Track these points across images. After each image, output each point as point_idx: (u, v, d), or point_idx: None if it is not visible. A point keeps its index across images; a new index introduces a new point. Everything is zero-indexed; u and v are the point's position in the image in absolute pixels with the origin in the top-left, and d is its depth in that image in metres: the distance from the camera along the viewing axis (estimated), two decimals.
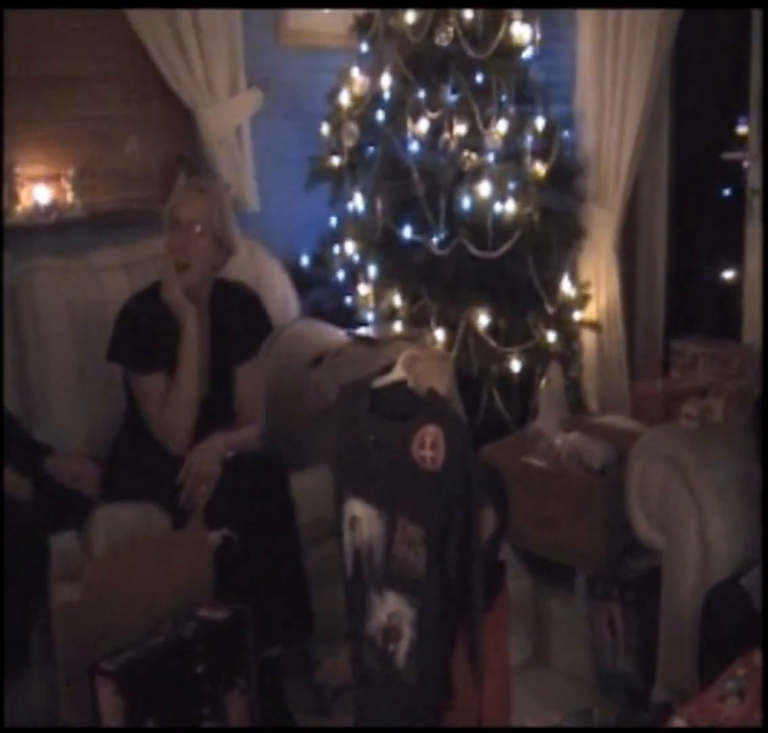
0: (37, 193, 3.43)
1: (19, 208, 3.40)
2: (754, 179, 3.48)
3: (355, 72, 3.72)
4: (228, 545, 2.56)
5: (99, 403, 3.08)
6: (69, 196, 3.48)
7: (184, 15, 3.55)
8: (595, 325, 3.65)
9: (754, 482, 2.45)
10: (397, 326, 3.38)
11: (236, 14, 3.69)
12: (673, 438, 2.65)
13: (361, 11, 3.75)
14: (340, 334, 3.24)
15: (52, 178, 3.49)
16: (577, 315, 3.63)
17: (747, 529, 2.51)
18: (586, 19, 3.66)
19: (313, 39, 3.98)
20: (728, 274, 3.68)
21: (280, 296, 3.43)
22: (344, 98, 3.70)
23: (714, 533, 2.50)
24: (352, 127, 3.65)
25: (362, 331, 3.25)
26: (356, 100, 3.70)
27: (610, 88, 3.64)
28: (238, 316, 2.99)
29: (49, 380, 3.07)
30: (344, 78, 3.73)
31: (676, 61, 3.75)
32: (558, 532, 2.87)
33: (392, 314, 3.45)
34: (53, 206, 3.43)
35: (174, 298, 2.87)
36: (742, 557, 2.48)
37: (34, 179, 3.46)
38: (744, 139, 3.55)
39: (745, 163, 3.52)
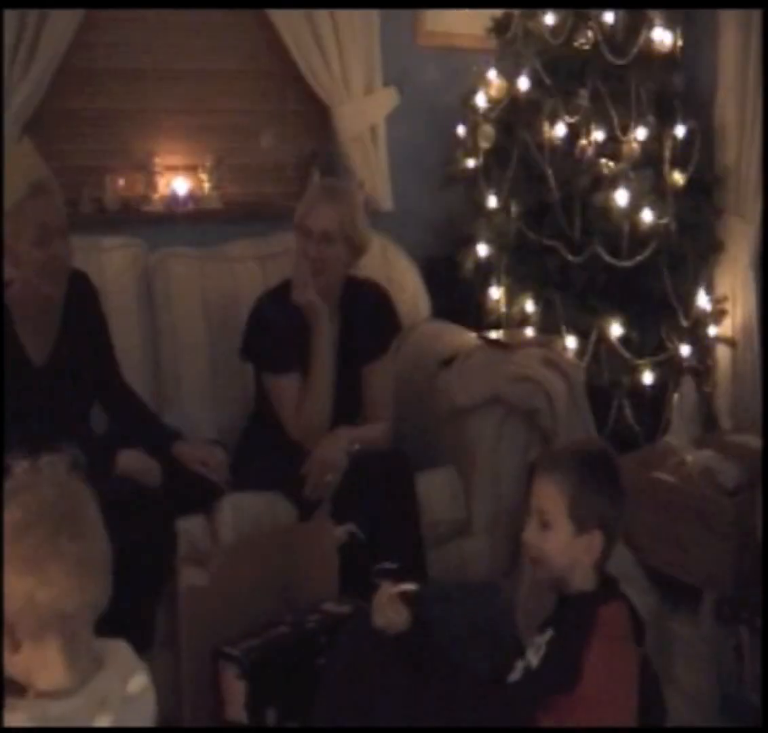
0: (175, 183, 3.47)
1: (157, 196, 3.45)
2: None
3: (492, 74, 3.68)
4: (354, 540, 2.55)
5: (229, 392, 3.10)
6: (206, 188, 3.51)
7: (323, 13, 3.56)
8: (730, 341, 3.54)
9: None
10: (529, 331, 3.33)
11: (373, 14, 3.69)
12: None
13: (499, 12, 3.71)
14: (471, 337, 3.21)
15: (190, 169, 3.54)
16: (712, 330, 3.53)
17: None
18: (730, 24, 3.57)
19: (451, 40, 3.96)
20: None
21: (411, 295, 3.41)
22: (480, 100, 3.66)
23: None
24: (488, 130, 3.61)
25: (493, 334, 3.21)
26: (493, 102, 3.66)
27: (752, 96, 3.53)
28: (368, 315, 2.98)
29: (181, 367, 3.10)
30: (481, 80, 3.70)
31: None
32: (686, 551, 2.80)
33: (523, 319, 3.40)
34: (190, 196, 3.47)
35: (308, 302, 2.87)
36: None
37: (173, 169, 3.51)
38: None
39: None
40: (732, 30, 3.57)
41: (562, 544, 2.04)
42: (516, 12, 3.64)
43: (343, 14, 3.60)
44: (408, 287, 3.40)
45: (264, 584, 2.42)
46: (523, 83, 3.57)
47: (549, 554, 2.06)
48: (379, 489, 2.66)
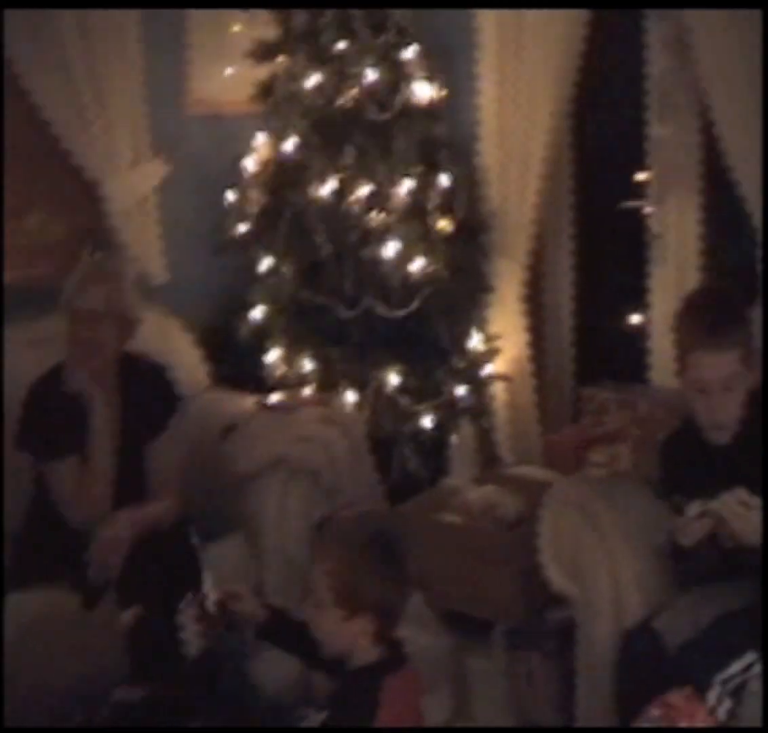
0: None
1: None
2: (654, 225, 3.58)
3: (260, 138, 3.75)
4: (141, 623, 2.54)
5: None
6: None
7: (86, 88, 3.55)
8: (505, 378, 3.68)
9: (661, 524, 2.50)
10: (308, 391, 3.39)
11: (139, 84, 3.71)
12: (582, 487, 2.70)
13: (262, 76, 3.79)
14: (251, 402, 3.25)
15: None
16: (487, 368, 3.66)
17: (658, 571, 2.55)
18: (487, 74, 3.73)
19: (219, 106, 4.01)
20: (634, 320, 3.74)
21: (189, 366, 3.41)
22: (249, 164, 3.73)
23: (626, 578, 2.54)
24: (257, 194, 3.69)
25: (273, 397, 3.26)
26: (261, 165, 3.73)
27: (512, 142, 3.70)
28: (145, 393, 2.98)
29: None
30: (249, 144, 3.77)
31: (576, 113, 3.82)
32: (475, 586, 2.89)
33: (303, 379, 3.46)
34: None
35: (80, 385, 2.85)
36: (655, 600, 2.52)
37: None
38: (643, 186, 3.65)
39: (646, 210, 3.62)
40: (490, 80, 3.74)
41: (332, 627, 2.03)
42: (278, 75, 3.73)
43: (108, 85, 3.58)
44: (185, 359, 3.42)
45: (52, 680, 2.39)
46: (290, 145, 3.65)
47: (320, 635, 2.07)
48: (162, 568, 2.66)
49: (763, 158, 2.52)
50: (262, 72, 3.78)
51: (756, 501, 2.33)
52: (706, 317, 2.54)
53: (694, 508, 2.38)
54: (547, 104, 3.59)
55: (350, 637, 2.02)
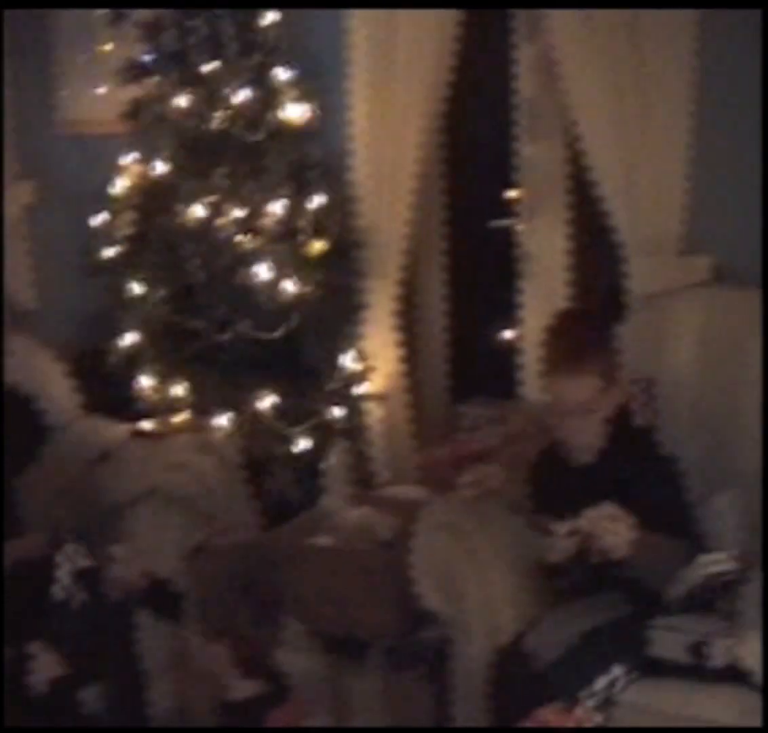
0: None
1: None
2: (524, 242, 3.63)
3: (129, 159, 3.72)
4: None
5: None
6: None
7: None
8: (379, 397, 3.70)
9: (532, 542, 2.54)
10: (181, 417, 3.37)
11: (7, 104, 3.65)
12: (453, 507, 2.73)
13: (132, 96, 3.75)
14: (123, 429, 3.22)
15: None
16: (361, 388, 3.67)
17: (529, 589, 2.60)
18: (359, 91, 3.74)
19: (89, 127, 3.97)
20: (507, 335, 3.79)
21: (59, 394, 3.38)
22: (119, 186, 3.69)
23: (498, 597, 2.58)
24: (127, 216, 3.65)
25: (145, 424, 3.23)
26: (131, 187, 3.69)
27: (383, 158, 3.70)
28: (12, 424, 2.93)
29: None
30: (119, 165, 3.73)
31: (447, 130, 3.84)
32: (351, 608, 2.90)
33: (176, 404, 3.44)
34: None
35: None
36: (527, 617, 2.55)
37: None
38: (513, 205, 3.71)
39: (517, 227, 3.67)
40: (361, 99, 3.75)
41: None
42: (148, 96, 3.70)
43: None
44: (56, 387, 3.37)
45: None
46: (160, 166, 3.62)
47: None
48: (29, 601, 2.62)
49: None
50: (132, 92, 3.75)
51: (623, 514, 2.39)
52: (567, 341, 2.61)
53: (562, 526, 2.43)
54: (419, 121, 3.61)
55: (220, 666, 2.03)
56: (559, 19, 3.22)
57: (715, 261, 3.09)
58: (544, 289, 3.58)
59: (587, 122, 3.23)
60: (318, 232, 3.62)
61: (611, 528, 2.37)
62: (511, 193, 3.73)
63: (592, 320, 2.80)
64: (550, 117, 3.52)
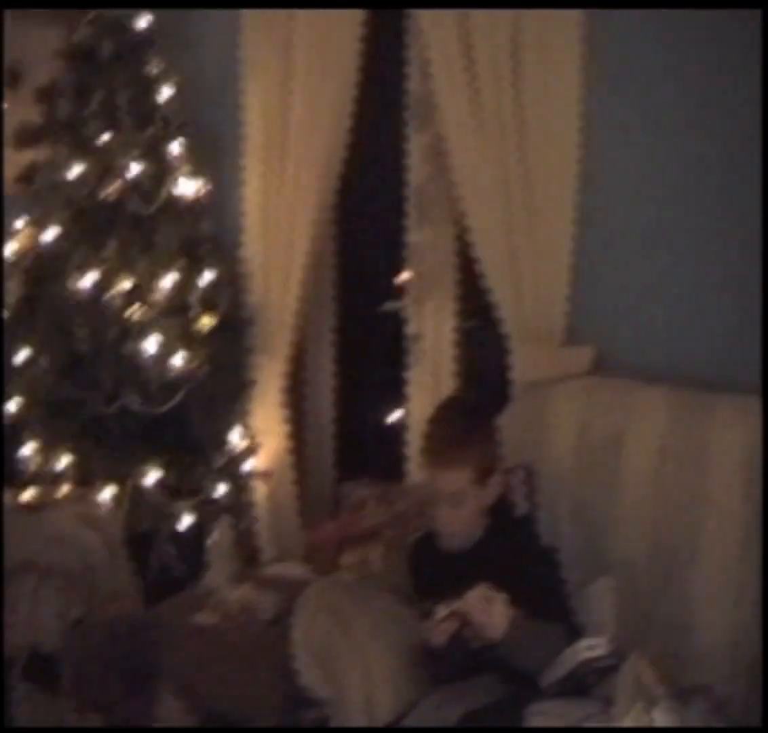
0: None
1: None
2: (412, 326, 3.71)
3: (20, 224, 3.68)
4: None
5: None
6: None
7: None
8: (265, 474, 3.70)
9: (412, 626, 2.56)
10: (63, 488, 3.32)
11: None
12: (334, 590, 2.75)
13: (26, 161, 3.73)
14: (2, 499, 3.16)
15: None
16: (248, 465, 3.68)
17: (409, 671, 2.61)
18: (253, 166, 3.80)
19: None
20: (394, 416, 3.84)
21: None
22: (9, 249, 3.66)
23: (378, 679, 2.59)
24: (16, 282, 3.61)
25: (25, 495, 3.18)
26: (21, 253, 3.66)
27: (276, 235, 3.77)
28: None
29: None
30: (9, 231, 3.69)
31: (340, 210, 3.92)
32: (231, 686, 2.87)
33: (59, 475, 3.38)
34: None
35: None
36: (406, 700, 2.56)
37: None
38: (403, 288, 3.78)
39: (405, 311, 3.74)
40: (255, 175, 3.80)
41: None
42: (41, 162, 3.68)
43: None
44: None
45: None
46: (50, 234, 3.60)
47: None
48: None
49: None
50: (26, 156, 3.73)
51: (498, 595, 2.43)
52: (443, 433, 2.64)
53: (440, 609, 2.46)
54: (312, 199, 3.68)
55: None
56: (449, 110, 3.33)
57: (595, 351, 3.18)
58: (431, 372, 3.66)
59: (475, 213, 3.33)
60: (208, 308, 3.65)
61: (487, 608, 2.41)
62: (402, 277, 3.82)
63: (472, 410, 2.81)
64: (440, 204, 3.61)
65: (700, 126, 3.04)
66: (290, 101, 3.67)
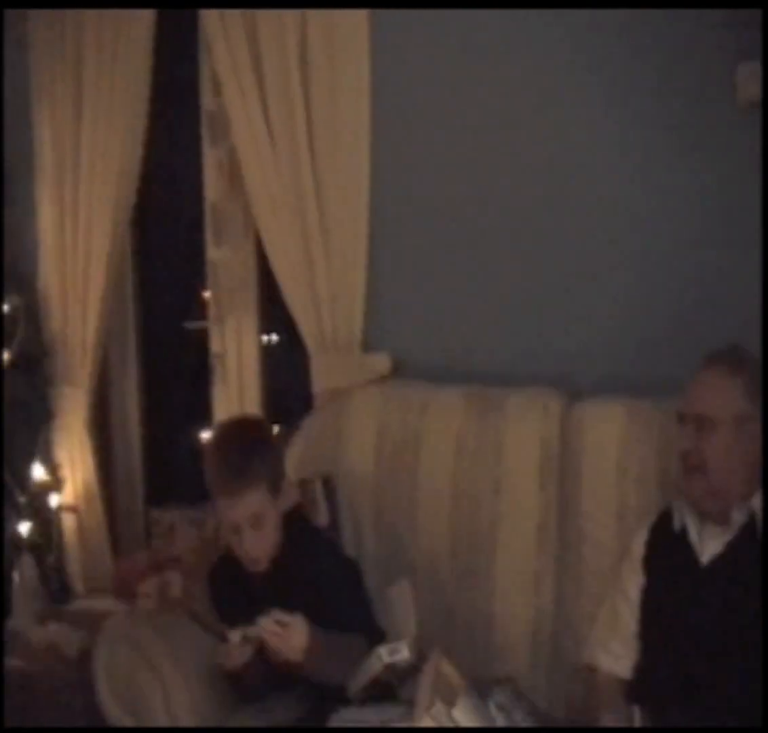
0: None
1: None
2: (215, 344, 3.68)
3: None
4: None
5: None
6: None
7: None
8: (72, 508, 3.61)
9: (211, 651, 2.52)
10: None
11: None
12: (134, 620, 2.70)
13: None
14: None
15: None
16: (53, 499, 3.58)
17: (212, 695, 2.59)
18: (46, 196, 3.73)
19: None
20: (203, 437, 3.79)
21: None
22: None
23: (180, 707, 2.56)
24: None
25: None
26: None
27: (71, 265, 3.70)
28: None
29: None
30: None
31: (138, 234, 3.89)
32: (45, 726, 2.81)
33: None
34: None
35: None
36: (209, 723, 2.54)
37: None
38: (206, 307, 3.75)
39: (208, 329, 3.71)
40: (48, 201, 3.73)
41: None
42: None
43: None
44: None
45: None
46: None
47: None
48: None
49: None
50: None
51: (294, 620, 2.41)
52: (223, 462, 2.55)
53: (236, 634, 2.44)
54: (107, 225, 3.63)
55: None
56: (241, 124, 3.33)
57: (392, 358, 3.21)
58: (235, 392, 3.63)
59: (270, 227, 3.33)
60: (4, 341, 3.55)
61: (283, 634, 2.39)
62: (203, 295, 3.79)
63: (253, 429, 2.72)
64: (237, 220, 3.60)
65: (493, 134, 3.12)
66: (81, 124, 3.62)
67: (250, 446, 2.58)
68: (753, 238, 2.80)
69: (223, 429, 2.76)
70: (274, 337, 3.78)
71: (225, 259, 3.66)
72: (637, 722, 2.16)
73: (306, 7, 3.18)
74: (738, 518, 2.33)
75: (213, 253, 3.67)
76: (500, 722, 2.40)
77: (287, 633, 2.39)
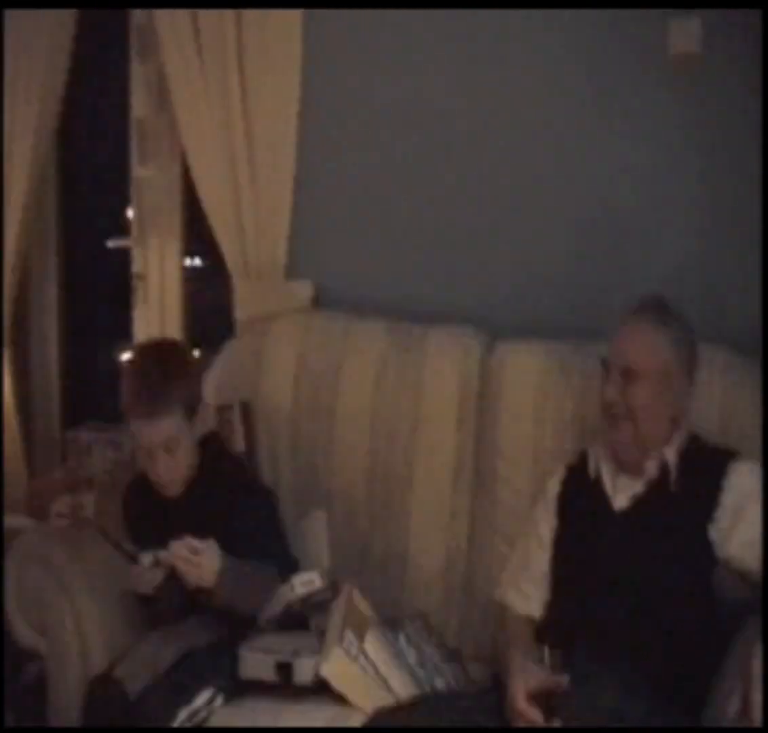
0: None
1: None
2: (137, 265, 3.63)
3: None
4: None
5: None
6: None
7: None
8: None
9: (122, 571, 2.52)
10: None
11: None
12: (45, 539, 2.68)
13: None
14: None
15: None
16: None
17: (123, 618, 2.60)
18: None
19: None
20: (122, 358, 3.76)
21: None
22: None
23: (91, 629, 2.58)
24: None
25: None
26: None
27: None
28: None
29: None
30: None
31: (60, 149, 3.79)
32: None
33: None
34: None
35: None
36: (121, 646, 2.56)
37: None
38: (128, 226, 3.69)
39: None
40: None
41: None
42: None
43: None
44: None
45: None
46: None
47: None
48: None
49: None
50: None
51: (206, 546, 2.41)
52: (138, 384, 2.54)
53: (146, 557, 2.44)
54: (29, 139, 3.53)
55: None
56: (170, 40, 3.24)
57: (315, 286, 3.20)
58: (156, 312, 3.59)
59: (196, 149, 3.27)
60: None
61: (194, 560, 2.39)
62: (127, 213, 3.72)
63: (171, 353, 2.69)
64: (163, 138, 3.54)
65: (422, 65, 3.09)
66: (3, 35, 3.48)
67: (167, 370, 2.56)
68: (682, 187, 2.85)
69: (141, 351, 2.74)
70: (198, 262, 3.74)
71: (150, 179, 3.60)
72: (547, 662, 2.21)
73: None
74: (651, 467, 2.39)
75: (138, 171, 3.60)
76: (410, 655, 2.47)
77: (198, 559, 2.39)
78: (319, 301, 3.20)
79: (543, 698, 2.17)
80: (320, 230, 3.23)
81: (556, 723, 2.13)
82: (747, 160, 2.73)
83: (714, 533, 2.29)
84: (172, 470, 2.58)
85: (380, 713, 2.25)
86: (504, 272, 3.05)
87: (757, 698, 1.87)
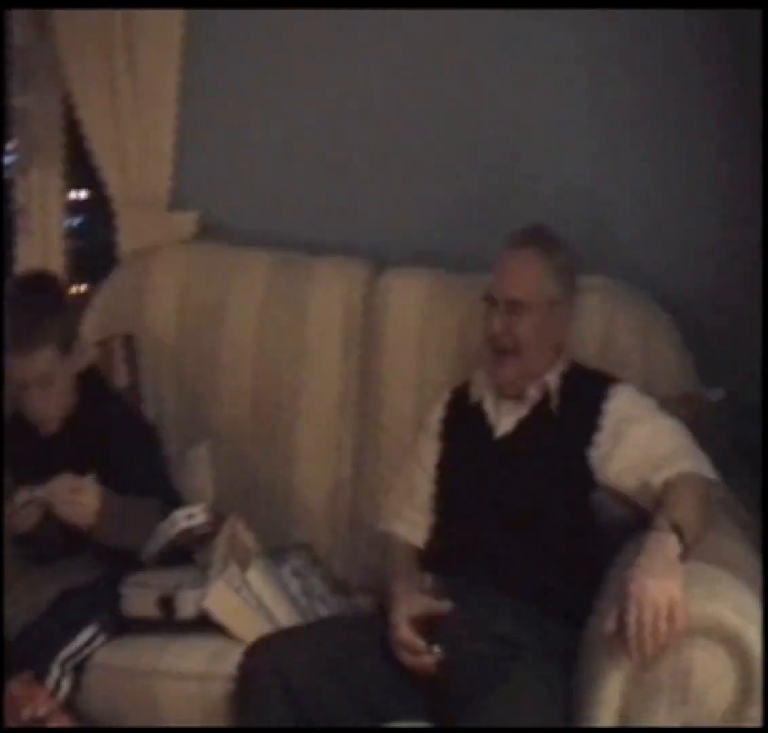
0: None
1: None
2: (19, 195, 3.45)
3: None
4: None
5: None
6: None
7: None
8: None
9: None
10: None
11: None
12: None
13: None
14: None
15: None
16: None
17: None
18: None
19: None
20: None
21: None
22: None
23: None
24: None
25: None
26: None
27: None
28: None
29: None
30: None
31: None
32: None
33: None
34: None
35: None
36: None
37: None
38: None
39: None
40: None
41: None
42: None
43: None
44: None
45: None
46: None
47: None
48: None
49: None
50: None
51: (85, 483, 2.37)
52: (11, 319, 2.46)
53: (22, 495, 2.38)
54: None
55: None
56: None
57: (200, 217, 3.12)
58: (39, 245, 3.47)
59: (77, 75, 3.16)
60: None
61: (72, 498, 2.35)
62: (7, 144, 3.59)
63: (45, 287, 2.63)
64: (44, 68, 3.40)
65: None
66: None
67: (41, 304, 2.51)
68: (572, 111, 2.85)
69: (15, 285, 2.67)
70: (83, 194, 3.63)
71: (30, 108, 3.47)
72: (429, 589, 2.21)
73: None
74: (533, 393, 2.39)
75: (18, 100, 3.47)
76: (294, 586, 2.46)
77: (78, 497, 2.35)
78: (204, 232, 3.12)
79: (426, 625, 2.17)
80: (206, 160, 3.15)
81: (437, 650, 2.14)
82: (639, 85, 2.75)
83: (594, 455, 2.31)
84: (47, 406, 2.52)
85: (260, 641, 2.24)
86: (391, 203, 3.01)
87: (631, 619, 1.89)
